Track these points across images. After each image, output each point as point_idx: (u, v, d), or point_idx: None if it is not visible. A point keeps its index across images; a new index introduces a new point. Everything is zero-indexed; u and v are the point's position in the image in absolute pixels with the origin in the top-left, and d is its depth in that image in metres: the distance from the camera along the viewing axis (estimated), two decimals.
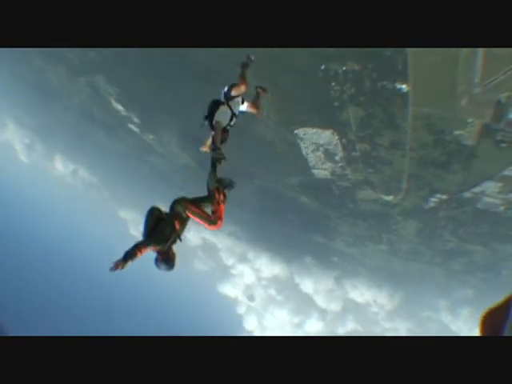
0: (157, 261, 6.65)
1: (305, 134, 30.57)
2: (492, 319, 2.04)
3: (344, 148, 29.86)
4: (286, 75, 26.73)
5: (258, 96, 9.35)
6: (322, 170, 33.26)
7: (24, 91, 55.29)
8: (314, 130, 29.75)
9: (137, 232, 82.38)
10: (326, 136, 29.55)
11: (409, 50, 22.98)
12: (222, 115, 8.20)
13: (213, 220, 6.85)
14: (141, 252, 6.35)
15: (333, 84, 26.08)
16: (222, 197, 7.14)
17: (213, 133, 8.16)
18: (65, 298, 78.37)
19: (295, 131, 30.78)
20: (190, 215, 7.02)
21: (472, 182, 28.13)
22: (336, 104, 27.10)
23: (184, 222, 7.05)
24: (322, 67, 25.47)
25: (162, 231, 6.85)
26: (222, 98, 8.46)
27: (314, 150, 31.60)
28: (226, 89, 8.47)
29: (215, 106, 8.29)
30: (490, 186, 27.85)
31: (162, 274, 7.03)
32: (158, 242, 6.70)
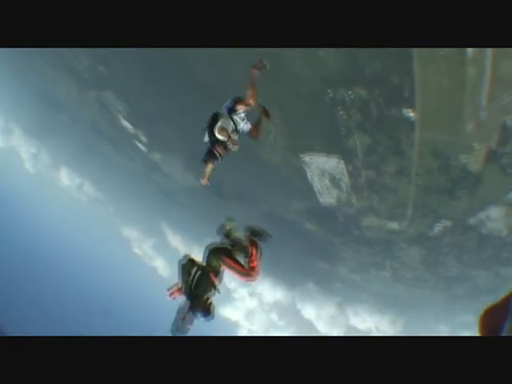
0: (194, 310, 6.45)
1: (311, 160, 30.64)
2: (491, 318, 2.11)
3: (350, 175, 29.91)
4: (294, 101, 26.99)
5: (260, 118, 9.07)
6: (328, 197, 33.27)
7: (32, 98, 55.36)
8: (320, 156, 29.84)
9: (139, 250, 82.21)
10: (332, 162, 29.63)
11: (416, 74, 23.29)
12: (224, 124, 7.96)
13: (248, 273, 6.59)
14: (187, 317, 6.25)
15: (339, 110, 26.31)
16: (257, 251, 6.83)
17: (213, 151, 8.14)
18: (58, 306, 77.09)
19: (301, 157, 30.89)
20: (225, 267, 6.79)
21: (477, 207, 28.18)
22: (343, 130, 27.23)
23: (220, 273, 6.89)
24: (330, 93, 25.71)
25: (198, 286, 6.65)
26: (225, 111, 8.19)
27: (319, 176, 31.64)
28: (229, 102, 8.19)
29: (215, 118, 8.00)
30: (495, 211, 27.90)
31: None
32: (197, 298, 6.50)
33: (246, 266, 6.60)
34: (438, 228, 30.96)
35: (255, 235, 6.95)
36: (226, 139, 7.96)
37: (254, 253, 6.66)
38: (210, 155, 8.35)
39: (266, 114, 9.15)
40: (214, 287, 6.75)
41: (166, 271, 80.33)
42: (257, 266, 6.54)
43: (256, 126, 8.81)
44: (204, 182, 8.87)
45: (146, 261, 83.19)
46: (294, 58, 25.02)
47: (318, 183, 32.28)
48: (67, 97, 49.24)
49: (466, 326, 45.31)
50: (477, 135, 24.56)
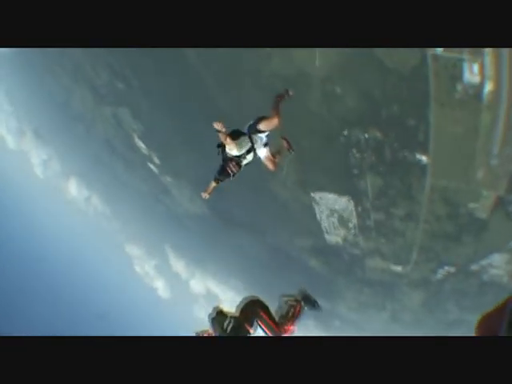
0: None
1: (321, 198, 30.72)
2: (487, 324, 2.15)
3: (358, 216, 29.95)
4: (308, 137, 27.04)
5: (279, 150, 8.68)
6: (335, 236, 33.20)
7: (48, 105, 55.40)
8: (331, 196, 29.91)
9: (141, 269, 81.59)
10: (342, 202, 29.72)
11: (432, 119, 23.60)
12: (239, 145, 7.60)
13: (279, 332, 6.02)
14: None
15: (354, 151, 26.51)
16: (297, 313, 6.37)
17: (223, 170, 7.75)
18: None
19: (312, 194, 31.00)
20: (258, 320, 6.36)
21: (481, 254, 28.20)
22: (355, 171, 27.37)
23: (253, 323, 6.49)
24: (345, 133, 26.00)
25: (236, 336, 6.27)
26: (246, 130, 7.85)
27: (328, 215, 31.64)
28: (252, 121, 7.85)
29: (235, 135, 7.61)
30: (497, 258, 27.96)
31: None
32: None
33: (279, 324, 6.18)
34: (440, 274, 30.83)
35: (305, 300, 6.48)
36: (236, 152, 7.64)
37: (295, 315, 6.24)
38: (223, 172, 7.91)
39: (288, 146, 8.70)
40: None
41: (167, 293, 79.67)
42: (290, 329, 6.11)
43: (274, 156, 8.40)
44: (204, 195, 8.19)
45: (146, 280, 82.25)
46: (311, 94, 25.74)
47: (326, 221, 32.24)
48: (84, 109, 49.32)
49: None
50: (487, 182, 24.70)
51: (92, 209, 77.46)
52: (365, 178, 27.69)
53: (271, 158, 8.34)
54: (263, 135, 8.01)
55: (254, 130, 7.82)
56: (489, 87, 22.34)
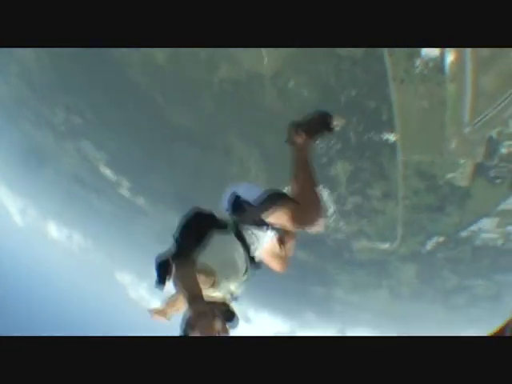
0: None
1: None
2: None
3: (336, 202, 29.67)
4: (270, 136, 26.85)
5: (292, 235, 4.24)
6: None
7: (13, 154, 55.51)
8: None
9: (135, 295, 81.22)
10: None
11: (393, 99, 23.30)
12: (220, 256, 3.24)
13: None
14: None
15: (317, 141, 25.85)
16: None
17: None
18: None
19: (285, 189, 30.40)
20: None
21: (468, 221, 28.12)
22: (324, 160, 27.05)
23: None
24: None
25: None
26: (227, 211, 3.55)
27: None
28: (244, 189, 3.63)
29: (204, 227, 3.32)
30: (487, 222, 27.81)
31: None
32: None
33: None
34: (430, 245, 30.80)
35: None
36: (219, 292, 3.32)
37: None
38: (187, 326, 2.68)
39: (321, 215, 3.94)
40: None
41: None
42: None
43: (284, 242, 3.78)
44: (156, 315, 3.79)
45: (142, 304, 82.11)
46: (265, 93, 25.32)
47: None
48: (48, 149, 49.22)
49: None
50: (462, 152, 24.61)
51: (76, 246, 76.94)
52: (335, 165, 27.49)
53: (280, 249, 3.86)
54: (267, 230, 3.54)
55: (247, 218, 3.47)
56: (450, 58, 22.17)
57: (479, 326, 40.91)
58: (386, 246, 32.56)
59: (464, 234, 29.38)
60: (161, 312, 3.67)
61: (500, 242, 29.27)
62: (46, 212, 72.11)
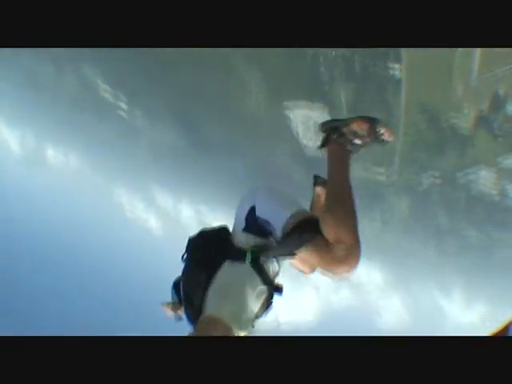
0: None
1: (294, 109, 30.34)
2: None
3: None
4: (275, 59, 26.50)
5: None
6: (312, 145, 32.60)
7: (14, 91, 54.64)
8: (304, 103, 29.44)
9: (132, 214, 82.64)
10: (317, 109, 29.24)
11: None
12: (233, 301, 2.63)
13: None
14: None
15: (322, 68, 25.80)
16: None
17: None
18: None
19: (286, 111, 30.60)
20: None
21: (466, 168, 28.04)
22: (326, 88, 26.83)
23: None
24: (311, 52, 25.06)
25: None
26: (243, 231, 2.93)
27: (303, 129, 31.48)
28: (260, 200, 2.95)
29: (214, 259, 2.80)
30: (485, 175, 27.73)
31: None
32: None
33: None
34: (426, 183, 30.90)
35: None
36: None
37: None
38: None
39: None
40: None
41: (160, 231, 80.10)
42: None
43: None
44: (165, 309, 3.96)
45: (139, 223, 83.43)
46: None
47: (302, 135, 32.20)
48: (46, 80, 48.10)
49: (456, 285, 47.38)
50: (467, 98, 23.85)
51: (73, 169, 77.35)
52: (338, 95, 26.93)
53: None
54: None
55: (271, 251, 2.82)
56: None
57: (468, 277, 42.13)
58: (382, 177, 32.62)
59: (461, 180, 29.28)
60: (173, 306, 3.79)
61: (496, 198, 29.15)
62: (44, 139, 72.02)
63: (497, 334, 2.25)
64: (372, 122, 3.01)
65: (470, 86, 23.03)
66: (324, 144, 3.11)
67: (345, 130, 3.03)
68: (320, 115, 29.05)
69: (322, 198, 3.57)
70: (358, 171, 32.83)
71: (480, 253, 36.06)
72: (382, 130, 3.00)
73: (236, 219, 3.07)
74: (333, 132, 3.07)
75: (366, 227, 42.96)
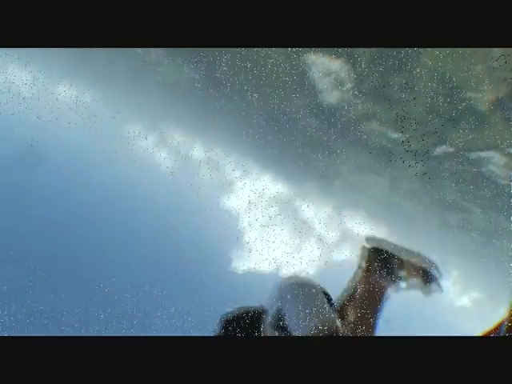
0: None
1: (314, 61, 29.56)
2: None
3: (356, 79, 29.06)
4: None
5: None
6: (330, 95, 32.48)
7: None
8: (324, 59, 28.70)
9: (139, 147, 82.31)
10: (337, 65, 28.71)
11: None
12: None
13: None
14: None
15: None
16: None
17: None
18: None
19: (303, 57, 29.57)
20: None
21: (480, 144, 27.62)
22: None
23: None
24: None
25: None
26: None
27: (321, 77, 30.71)
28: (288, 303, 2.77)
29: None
30: (496, 157, 27.54)
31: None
32: None
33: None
34: (438, 151, 30.61)
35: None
36: None
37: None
38: None
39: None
40: None
41: (172, 168, 79.17)
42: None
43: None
44: None
45: (147, 156, 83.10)
46: None
47: (320, 83, 31.69)
48: None
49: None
50: (487, 78, 23.00)
51: (85, 105, 76.18)
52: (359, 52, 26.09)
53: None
54: None
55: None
56: None
57: (466, 254, 42.21)
58: (396, 135, 32.35)
59: (473, 155, 29.02)
60: None
61: (504, 181, 29.19)
62: (56, 75, 70.69)
63: (489, 333, 2.29)
64: (428, 275, 2.85)
65: (489, 66, 22.09)
66: (365, 270, 2.93)
67: (396, 267, 2.86)
68: (340, 68, 28.85)
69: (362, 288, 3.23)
70: (372, 124, 32.69)
71: (480, 233, 36.22)
72: (435, 287, 2.88)
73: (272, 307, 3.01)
74: (383, 262, 2.86)
75: (373, 183, 43.11)
